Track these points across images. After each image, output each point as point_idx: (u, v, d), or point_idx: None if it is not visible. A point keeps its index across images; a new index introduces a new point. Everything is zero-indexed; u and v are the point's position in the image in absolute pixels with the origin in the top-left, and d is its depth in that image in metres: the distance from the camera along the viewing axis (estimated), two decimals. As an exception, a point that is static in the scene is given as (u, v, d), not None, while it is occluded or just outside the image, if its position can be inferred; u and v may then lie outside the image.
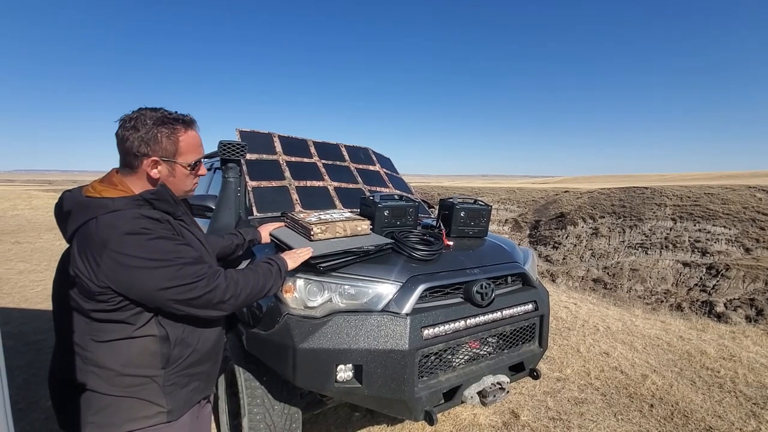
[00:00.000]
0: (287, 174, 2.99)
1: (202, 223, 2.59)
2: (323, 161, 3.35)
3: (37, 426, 2.45)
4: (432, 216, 3.38)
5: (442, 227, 2.41)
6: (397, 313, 1.72)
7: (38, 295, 5.02)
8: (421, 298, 1.80)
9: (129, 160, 1.14)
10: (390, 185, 3.54)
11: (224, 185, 2.47)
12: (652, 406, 2.83)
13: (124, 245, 1.01)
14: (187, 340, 1.18)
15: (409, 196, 2.98)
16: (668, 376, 3.27)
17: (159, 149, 1.14)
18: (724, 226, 12.98)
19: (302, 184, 2.98)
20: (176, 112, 1.19)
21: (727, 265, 10.96)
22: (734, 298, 9.31)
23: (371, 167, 3.66)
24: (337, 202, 2.98)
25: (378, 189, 3.39)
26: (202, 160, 1.30)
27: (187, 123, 1.20)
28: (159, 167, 1.16)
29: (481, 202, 2.54)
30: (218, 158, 2.80)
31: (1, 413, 0.67)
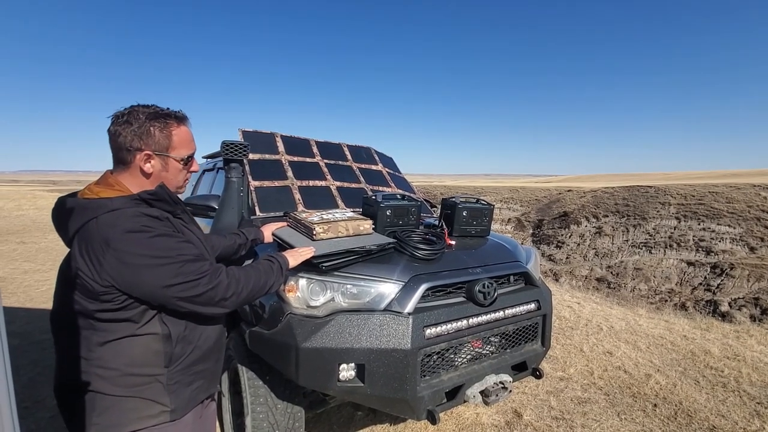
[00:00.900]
0: (290, 174, 3.00)
1: (205, 223, 2.61)
2: (325, 161, 3.35)
3: (42, 425, 2.47)
4: (434, 215, 3.38)
5: (444, 226, 2.41)
6: (399, 313, 1.73)
7: (43, 295, 5.06)
8: (423, 297, 1.80)
9: (122, 156, 1.13)
10: (392, 185, 3.54)
11: (227, 185, 2.47)
12: (655, 405, 2.83)
13: (126, 243, 1.01)
14: (189, 338, 1.19)
15: (412, 195, 2.98)
16: (672, 375, 3.25)
17: (152, 143, 1.14)
18: (729, 225, 12.90)
19: (305, 183, 2.99)
20: (168, 108, 1.20)
21: (732, 264, 10.89)
22: (739, 298, 9.26)
23: (373, 167, 3.66)
24: (340, 202, 2.98)
25: (380, 188, 3.39)
26: (198, 157, 1.30)
27: (180, 118, 1.21)
28: (152, 161, 1.16)
29: (483, 202, 2.54)
30: (221, 158, 2.80)
31: (7, 412, 0.68)
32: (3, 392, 0.67)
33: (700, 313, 8.33)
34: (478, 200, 2.54)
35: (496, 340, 2.09)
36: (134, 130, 1.11)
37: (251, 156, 2.91)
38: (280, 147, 3.20)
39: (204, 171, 3.92)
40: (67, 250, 1.10)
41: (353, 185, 3.25)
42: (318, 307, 1.72)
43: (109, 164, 1.21)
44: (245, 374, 1.92)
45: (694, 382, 3.17)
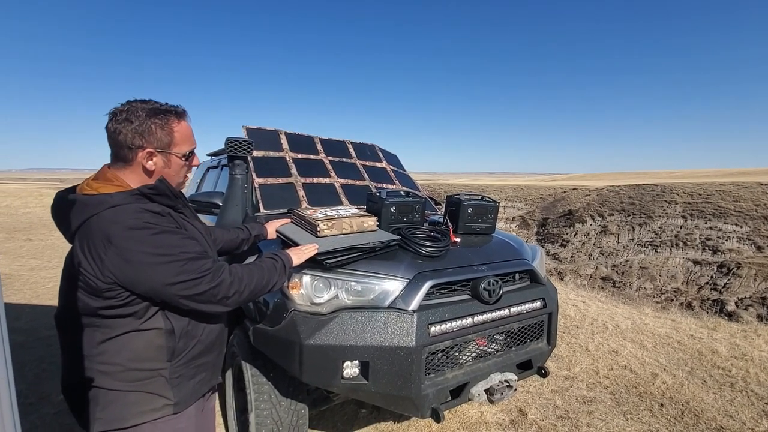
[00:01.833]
0: (294, 171, 2.99)
1: (210, 220, 2.61)
2: (330, 158, 3.34)
3: (47, 420, 2.48)
4: (439, 213, 3.36)
5: (449, 224, 2.39)
6: (403, 310, 1.71)
7: (49, 292, 5.09)
8: (428, 294, 1.79)
9: (123, 153, 1.12)
10: (397, 182, 3.53)
11: (231, 182, 2.47)
12: (662, 405, 2.80)
13: (128, 240, 1.01)
14: (192, 332, 1.18)
15: (416, 192, 2.96)
16: (679, 375, 3.22)
17: (154, 140, 1.13)
18: (736, 224, 12.79)
19: (309, 180, 2.98)
20: (167, 103, 1.18)
21: (739, 264, 10.80)
22: (746, 297, 9.17)
23: (378, 164, 3.65)
24: (344, 199, 2.97)
25: (385, 186, 3.37)
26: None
27: (179, 114, 1.19)
28: (154, 158, 1.14)
29: (488, 199, 2.52)
30: (225, 155, 2.80)
31: (8, 410, 0.67)
32: (3, 388, 0.66)
33: (707, 312, 8.27)
34: (483, 197, 2.52)
35: (501, 338, 2.07)
36: (135, 127, 1.10)
37: (255, 153, 2.90)
38: (285, 144, 3.19)
39: (208, 168, 3.92)
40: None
41: (357, 182, 3.24)
42: (322, 304, 1.71)
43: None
44: (249, 371, 1.92)
45: (701, 381, 3.14)
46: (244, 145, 2.44)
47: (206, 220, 2.83)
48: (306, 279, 1.72)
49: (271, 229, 1.97)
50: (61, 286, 1.11)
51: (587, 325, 4.35)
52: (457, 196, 2.47)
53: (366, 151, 3.72)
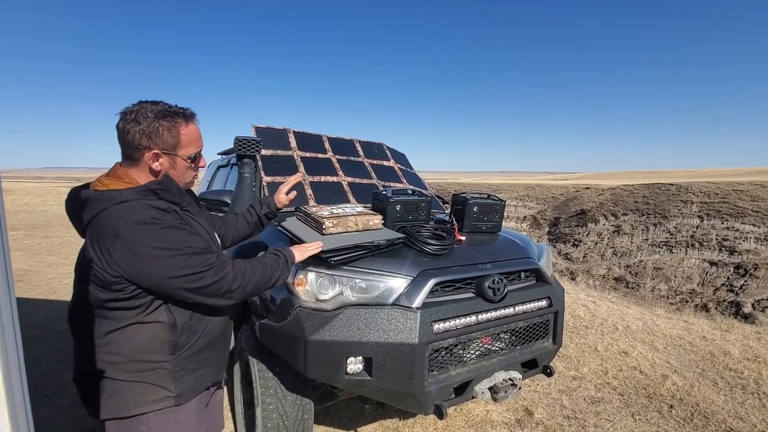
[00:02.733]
0: (302, 169, 3.02)
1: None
2: (337, 157, 3.37)
3: (62, 411, 2.55)
4: (446, 211, 3.36)
5: (455, 222, 2.40)
6: (407, 307, 1.73)
7: (65, 287, 5.23)
8: (432, 292, 1.80)
9: (131, 153, 1.15)
10: (404, 180, 3.54)
11: (240, 180, 2.51)
12: (671, 406, 2.76)
13: (134, 235, 1.04)
14: (195, 327, 1.22)
15: (422, 191, 2.97)
16: (689, 376, 3.17)
17: (160, 142, 1.15)
18: (753, 224, 12.48)
19: (316, 179, 3.01)
20: (176, 105, 1.21)
21: (756, 265, 10.55)
22: (763, 298, 8.96)
23: (385, 163, 3.66)
24: (351, 197, 2.99)
25: (392, 184, 3.39)
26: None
27: (188, 116, 1.21)
28: (160, 160, 1.17)
29: (494, 198, 2.51)
30: (234, 154, 2.84)
31: (21, 406, 0.70)
32: (16, 380, 0.69)
33: (722, 314, 8.10)
34: (489, 196, 2.51)
35: (506, 336, 2.07)
36: (143, 129, 1.12)
37: (264, 152, 2.94)
38: (293, 143, 3.22)
39: (219, 167, 3.98)
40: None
41: (365, 181, 3.26)
42: (327, 300, 1.74)
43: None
44: (256, 366, 1.95)
45: (712, 383, 3.09)
46: (253, 144, 2.48)
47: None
48: (311, 276, 1.75)
49: (280, 197, 1.85)
50: (74, 279, 1.16)
51: (597, 326, 4.30)
52: (463, 195, 2.47)
53: (374, 149, 3.74)
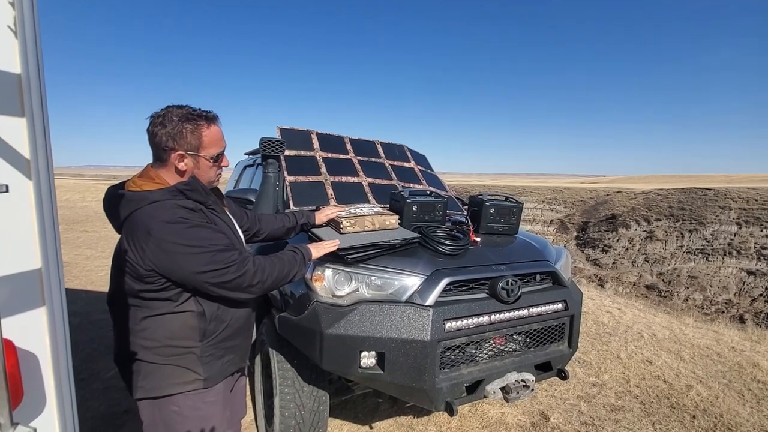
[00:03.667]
0: (323, 170, 3.10)
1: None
2: (359, 158, 3.43)
3: (96, 395, 2.74)
4: (464, 212, 3.37)
5: (470, 223, 2.42)
6: (420, 305, 1.77)
7: (102, 279, 5.54)
8: (445, 291, 1.83)
9: (159, 154, 1.26)
10: (424, 182, 3.57)
11: (264, 180, 2.62)
12: (694, 417, 2.68)
13: (165, 233, 1.14)
14: (222, 317, 1.31)
15: (439, 192, 3.00)
16: (715, 387, 3.06)
17: (184, 143, 1.24)
18: (799, 233, 11.79)
19: (337, 179, 3.09)
20: (200, 108, 1.30)
21: (801, 275, 9.97)
22: (807, 311, 8.46)
23: (406, 164, 3.71)
24: (371, 198, 3.05)
25: (412, 185, 3.43)
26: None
27: (210, 119, 1.30)
28: (185, 160, 1.27)
29: (512, 200, 2.51)
30: (260, 154, 2.96)
31: (66, 384, 0.79)
32: (63, 366, 0.78)
33: (760, 326, 7.70)
34: (506, 198, 2.52)
35: (519, 338, 2.08)
36: (168, 131, 1.22)
37: (287, 152, 3.04)
38: (315, 144, 3.31)
39: (245, 166, 4.13)
40: None
41: (385, 182, 3.31)
42: (343, 296, 1.80)
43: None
44: (275, 357, 2.04)
45: (738, 395, 2.97)
46: (277, 145, 2.58)
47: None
48: (328, 272, 1.82)
49: (322, 216, 2.05)
50: (111, 271, 1.27)
51: (621, 333, 4.20)
52: (480, 196, 2.49)
53: (395, 151, 3.79)
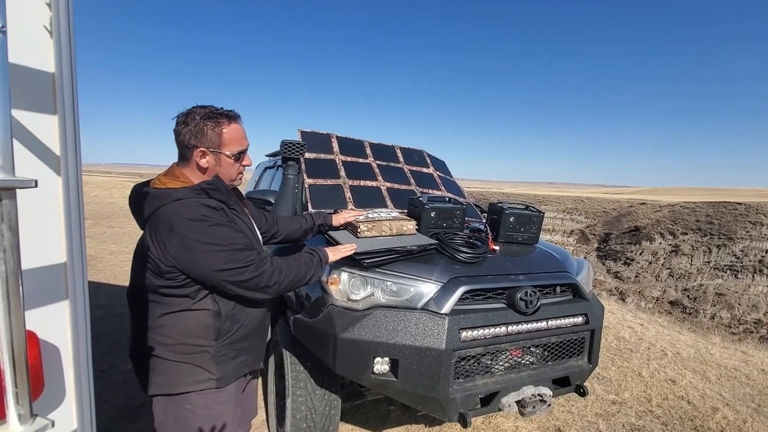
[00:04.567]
0: (342, 173, 3.12)
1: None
2: (378, 162, 3.44)
3: (115, 387, 2.80)
4: (482, 220, 3.33)
5: (489, 231, 2.38)
6: (436, 313, 1.75)
7: (125, 273, 5.69)
8: (461, 299, 1.80)
9: (183, 152, 1.29)
10: (442, 188, 3.54)
11: (284, 181, 2.64)
12: (720, 442, 2.56)
13: (187, 230, 1.16)
14: (237, 316, 1.32)
15: (458, 198, 2.97)
16: (742, 411, 2.91)
17: (206, 141, 1.27)
18: (837, 252, 11.22)
19: (356, 183, 3.09)
20: (222, 108, 1.32)
21: (839, 297, 9.47)
22: None
23: (425, 170, 3.69)
24: (389, 203, 3.05)
25: (430, 191, 3.41)
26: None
27: (231, 117, 1.32)
28: (207, 157, 1.29)
29: (533, 208, 2.47)
30: (280, 156, 2.99)
31: (85, 376, 0.80)
32: (83, 359, 0.80)
33: (793, 349, 7.32)
34: (527, 207, 2.47)
35: (537, 350, 2.03)
36: (191, 129, 1.25)
37: (307, 155, 3.07)
38: (335, 147, 3.33)
39: (266, 168, 4.19)
40: None
41: (403, 187, 3.30)
42: (358, 300, 1.79)
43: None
44: (289, 359, 2.05)
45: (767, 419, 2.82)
46: (297, 148, 2.60)
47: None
48: (344, 276, 1.81)
49: (339, 218, 2.05)
50: (132, 266, 1.29)
51: (643, 350, 4.05)
52: (500, 204, 2.45)
53: (414, 156, 3.78)
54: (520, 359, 1.98)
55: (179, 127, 1.26)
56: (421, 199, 2.33)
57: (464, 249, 2.00)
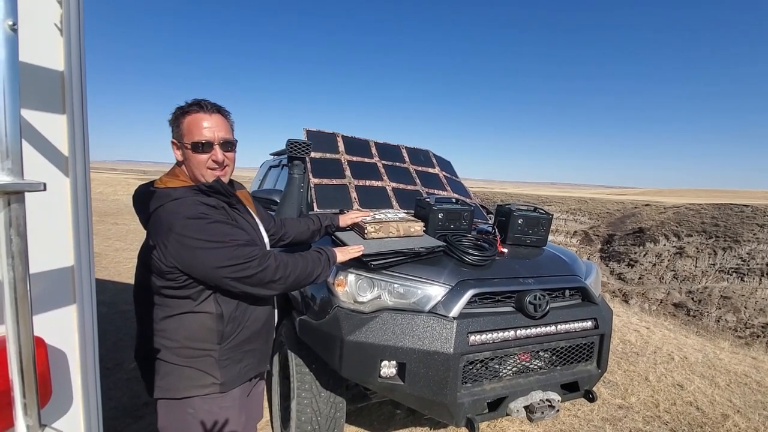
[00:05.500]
0: (348, 173, 3.10)
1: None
2: (383, 162, 3.41)
3: (120, 385, 2.79)
4: (490, 221, 3.30)
5: (497, 233, 2.35)
6: (444, 316, 1.72)
7: (129, 271, 5.70)
8: (469, 303, 1.78)
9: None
10: (448, 188, 3.52)
11: (289, 181, 2.62)
12: (730, 450, 2.53)
13: (186, 228, 1.14)
14: (239, 318, 1.30)
15: (466, 200, 2.94)
16: (754, 418, 2.88)
17: (174, 132, 1.28)
18: None
19: (362, 183, 3.07)
20: (203, 99, 1.29)
21: None
22: None
23: (431, 170, 3.66)
24: (395, 203, 3.02)
25: (436, 192, 3.38)
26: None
27: (199, 107, 1.27)
28: (178, 150, 1.29)
29: (541, 210, 2.44)
30: (286, 155, 2.97)
31: (92, 375, 0.79)
32: (90, 364, 0.78)
33: (800, 353, 7.24)
34: (535, 209, 2.44)
35: (546, 355, 2.00)
36: (171, 122, 1.28)
37: (313, 154, 3.05)
38: (341, 146, 3.31)
39: (270, 167, 4.17)
40: None
41: (409, 187, 3.28)
42: (365, 303, 1.77)
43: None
44: (294, 360, 2.03)
45: (781, 429, 2.78)
46: (303, 147, 2.58)
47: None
48: (351, 278, 1.79)
49: (346, 219, 2.02)
50: (136, 266, 1.28)
51: (649, 354, 4.02)
52: (508, 206, 2.42)
53: (420, 156, 3.75)
54: (528, 364, 1.96)
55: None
56: (428, 200, 2.30)
57: (472, 251, 1.97)
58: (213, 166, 1.28)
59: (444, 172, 3.74)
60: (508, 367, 1.90)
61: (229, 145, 1.31)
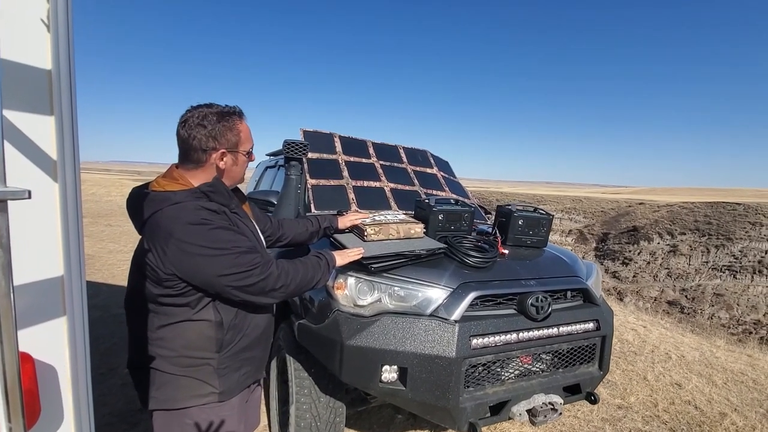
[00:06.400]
0: (345, 173, 3.06)
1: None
2: (381, 162, 3.38)
3: (114, 390, 2.74)
4: (489, 222, 3.28)
5: (498, 235, 2.33)
6: (445, 319, 1.69)
7: (123, 273, 5.62)
8: (471, 305, 1.75)
9: (196, 156, 1.21)
10: (447, 189, 3.49)
11: (286, 182, 2.58)
12: (730, 448, 2.52)
13: (187, 234, 1.09)
14: (239, 326, 1.26)
15: (465, 200, 2.91)
16: (751, 417, 2.88)
17: (225, 142, 1.23)
18: (837, 253, 11.24)
19: (359, 184, 3.04)
20: (226, 105, 1.27)
21: (838, 298, 9.49)
22: None
23: (428, 170, 3.64)
24: (393, 204, 2.99)
25: (434, 192, 3.36)
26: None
27: (241, 115, 1.29)
28: (225, 158, 1.25)
29: (541, 211, 2.42)
30: (283, 156, 2.93)
31: (83, 382, 0.75)
32: (82, 380, 0.74)
33: (794, 350, 7.32)
34: (536, 209, 2.42)
35: (548, 357, 1.98)
36: (208, 132, 1.19)
37: (310, 155, 3.01)
38: (338, 147, 3.28)
39: (266, 167, 4.12)
40: None
41: (407, 188, 3.25)
42: (365, 306, 1.74)
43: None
44: (292, 365, 1.99)
45: (778, 427, 2.79)
46: (300, 148, 2.54)
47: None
48: (351, 281, 1.76)
49: (345, 221, 2.01)
50: (130, 272, 1.23)
51: (647, 353, 4.02)
52: (508, 207, 2.39)
53: (417, 156, 3.72)
54: (530, 366, 1.93)
55: (192, 130, 1.19)
56: (428, 201, 2.27)
57: (473, 253, 1.95)
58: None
59: (442, 173, 3.71)
60: (511, 371, 1.87)
61: None
